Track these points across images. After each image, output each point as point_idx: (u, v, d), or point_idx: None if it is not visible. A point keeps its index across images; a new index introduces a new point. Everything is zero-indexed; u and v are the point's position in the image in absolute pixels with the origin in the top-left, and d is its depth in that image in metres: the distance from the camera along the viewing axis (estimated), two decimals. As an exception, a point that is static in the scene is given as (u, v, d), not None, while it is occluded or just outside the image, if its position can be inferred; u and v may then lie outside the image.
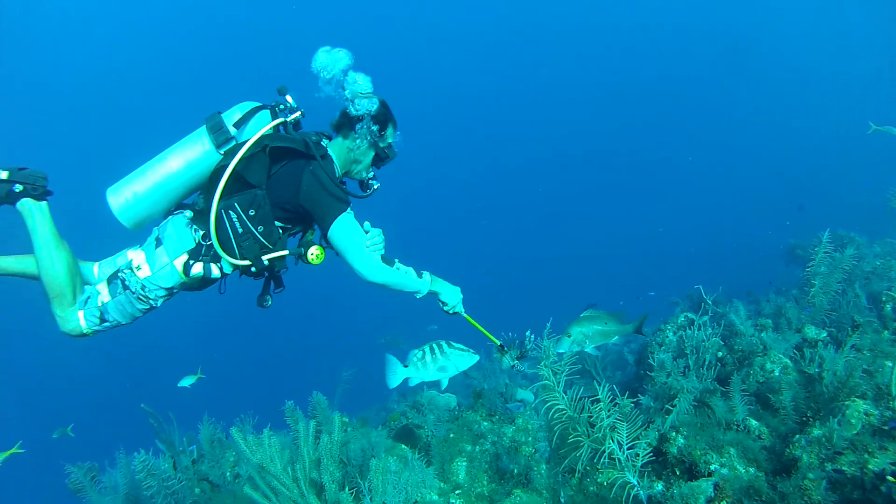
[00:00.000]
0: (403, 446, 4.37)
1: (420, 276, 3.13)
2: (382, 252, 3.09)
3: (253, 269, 2.95)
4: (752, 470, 3.09)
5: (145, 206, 2.88)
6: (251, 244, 2.90)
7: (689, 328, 4.58)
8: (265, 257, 2.92)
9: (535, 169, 40.65)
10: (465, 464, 3.91)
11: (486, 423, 4.16)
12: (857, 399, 3.21)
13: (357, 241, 2.88)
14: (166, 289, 2.93)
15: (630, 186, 38.19)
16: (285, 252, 2.97)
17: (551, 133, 42.07)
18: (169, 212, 3.03)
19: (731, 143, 38.69)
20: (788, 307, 4.77)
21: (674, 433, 3.27)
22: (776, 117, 38.62)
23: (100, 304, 2.93)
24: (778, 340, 4.15)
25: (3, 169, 2.79)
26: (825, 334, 4.23)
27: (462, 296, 3.36)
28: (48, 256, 2.84)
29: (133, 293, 2.90)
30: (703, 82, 40.93)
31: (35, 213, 2.84)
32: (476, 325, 3.46)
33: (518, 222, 36.16)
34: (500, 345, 3.43)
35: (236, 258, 2.89)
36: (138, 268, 2.91)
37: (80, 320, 2.90)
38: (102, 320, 2.93)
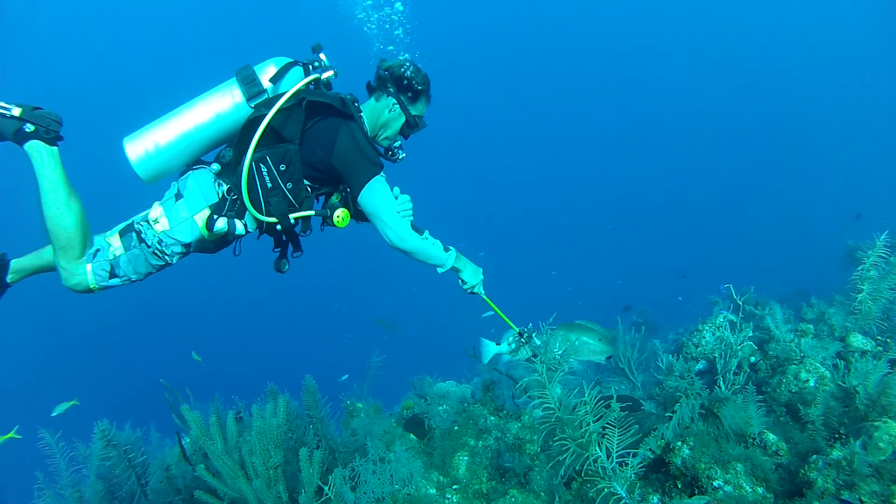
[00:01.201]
0: (412, 436, 4.28)
1: (447, 250, 3.10)
2: (411, 219, 3.10)
3: (278, 227, 2.91)
4: (759, 490, 2.80)
5: (166, 158, 2.80)
6: (279, 201, 2.86)
7: (719, 330, 4.27)
8: (292, 216, 2.90)
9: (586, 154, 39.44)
10: (466, 458, 3.77)
11: (492, 418, 3.99)
12: (890, 420, 2.85)
13: (388, 205, 2.86)
14: (184, 244, 2.86)
15: (689, 177, 36.71)
16: (311, 212, 2.94)
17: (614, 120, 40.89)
18: (187, 166, 2.96)
19: (797, 140, 36.56)
20: (832, 313, 4.35)
21: (679, 443, 3.01)
22: (844, 119, 36.48)
23: (111, 257, 2.80)
24: (816, 348, 3.77)
25: (17, 105, 2.61)
26: (873, 345, 3.82)
27: (483, 277, 3.32)
28: (57, 204, 2.65)
29: (149, 247, 2.81)
30: (767, 78, 38.99)
31: (45, 157, 2.64)
32: (496, 308, 3.41)
33: (561, 208, 35.23)
34: (520, 331, 3.37)
35: (263, 214, 2.86)
36: (156, 221, 2.82)
37: (87, 274, 2.77)
38: (112, 275, 2.81)
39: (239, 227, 2.89)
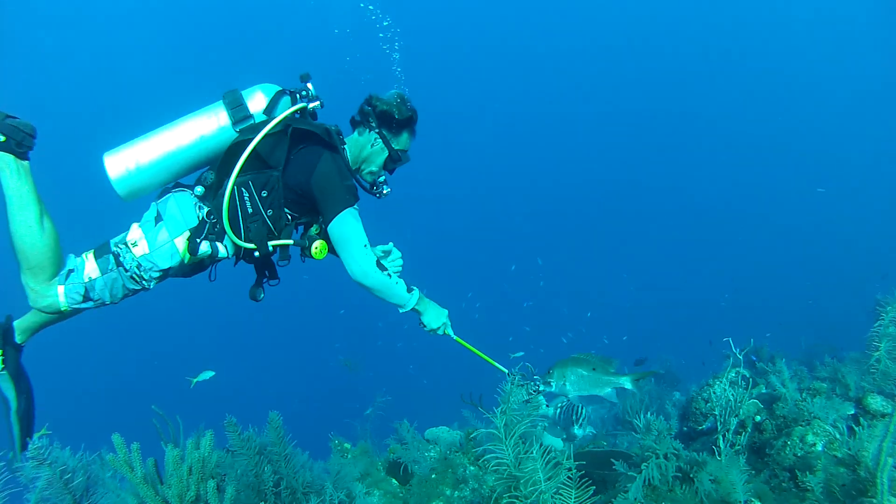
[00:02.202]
0: (393, 480, 4.11)
1: (409, 290, 2.99)
2: (399, 271, 3.16)
3: (256, 253, 2.88)
4: (735, 567, 2.51)
5: (146, 176, 2.76)
6: (259, 227, 2.84)
7: (731, 386, 3.98)
8: (270, 243, 2.87)
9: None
10: (440, 509, 3.58)
11: (472, 468, 3.79)
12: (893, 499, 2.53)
13: (358, 237, 2.79)
14: (162, 269, 2.79)
15: (717, 220, 35.21)
16: (290, 241, 2.92)
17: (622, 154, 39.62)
18: (166, 186, 2.93)
19: (835, 182, 34.84)
20: (845, 372, 3.98)
21: (652, 508, 2.75)
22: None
23: (86, 280, 2.69)
24: (828, 409, 3.44)
25: None
26: (893, 406, 3.46)
27: (448, 320, 3.18)
28: (27, 222, 2.53)
29: (126, 271, 2.73)
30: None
31: (14, 170, 2.51)
32: (473, 349, 3.26)
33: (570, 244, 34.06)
34: (508, 372, 3.16)
35: (241, 239, 2.83)
36: (134, 244, 2.75)
37: (58, 296, 2.65)
38: (86, 298, 2.70)
39: (221, 249, 2.85)
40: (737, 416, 3.53)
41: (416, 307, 3.02)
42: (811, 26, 36.67)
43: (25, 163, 2.57)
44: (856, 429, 2.83)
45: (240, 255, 2.99)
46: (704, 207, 35.83)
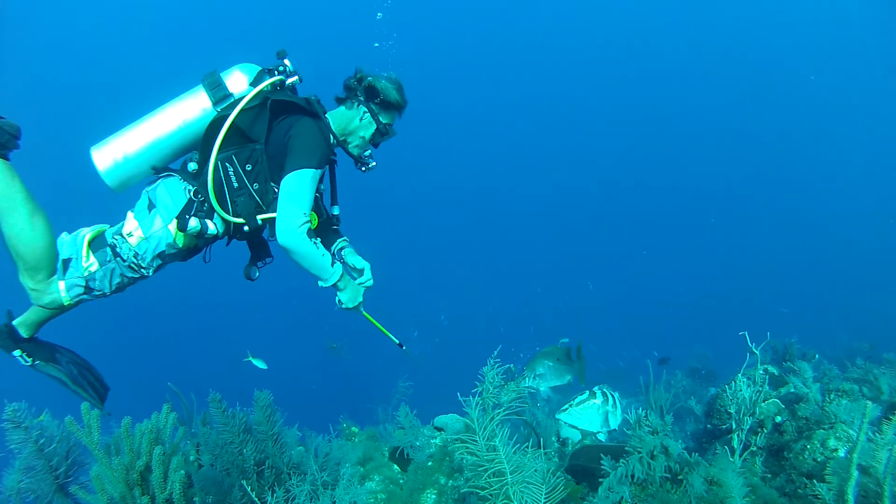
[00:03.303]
0: (395, 466, 4.05)
1: (333, 265, 2.82)
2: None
3: (246, 227, 2.84)
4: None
5: (134, 166, 2.75)
6: (246, 201, 2.81)
7: (756, 383, 3.71)
8: (259, 217, 2.83)
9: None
10: (433, 497, 3.48)
11: (470, 458, 3.67)
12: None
13: (301, 199, 2.65)
14: (159, 255, 2.77)
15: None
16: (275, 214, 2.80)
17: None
18: (155, 174, 2.90)
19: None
20: (879, 374, 3.62)
21: (641, 507, 2.57)
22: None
23: (85, 273, 2.66)
24: (853, 411, 3.14)
25: None
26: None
27: (363, 299, 3.07)
28: (19, 222, 2.46)
29: (124, 261, 2.71)
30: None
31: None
32: (376, 324, 3.19)
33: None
34: (399, 344, 3.20)
35: (230, 214, 2.80)
36: (130, 234, 2.73)
37: (60, 291, 2.63)
38: (87, 289, 2.68)
39: (211, 226, 2.79)
40: (752, 415, 3.30)
41: (338, 284, 2.87)
42: (813, 26, 35.11)
43: (6, 162, 2.46)
44: (873, 436, 2.55)
45: (230, 232, 2.95)
46: (742, 201, 34.84)
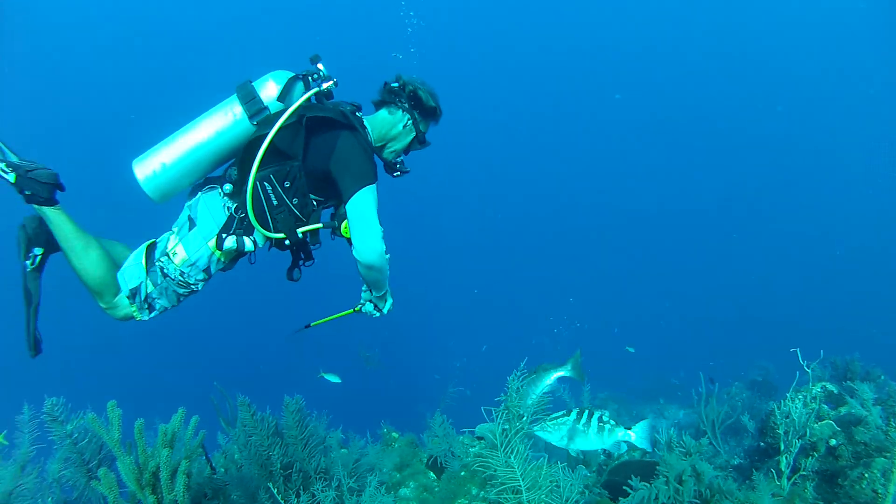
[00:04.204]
0: (431, 473, 4.00)
1: None
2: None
3: (287, 241, 2.90)
4: None
5: (172, 177, 2.82)
6: (286, 217, 2.85)
7: (814, 401, 3.49)
8: (300, 230, 2.88)
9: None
10: (465, 507, 3.43)
11: (491, 472, 3.60)
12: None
13: (372, 216, 2.73)
14: (203, 271, 2.90)
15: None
16: (319, 225, 2.91)
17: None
18: (196, 185, 3.01)
19: None
20: None
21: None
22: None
23: (144, 294, 2.86)
24: (917, 440, 2.89)
25: (11, 170, 2.57)
26: None
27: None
28: (76, 256, 2.73)
29: (173, 280, 2.86)
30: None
31: (49, 216, 2.67)
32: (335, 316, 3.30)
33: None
34: (357, 308, 3.22)
35: (270, 231, 2.85)
36: (174, 254, 2.86)
37: (129, 309, 2.85)
38: (151, 308, 2.89)
39: (248, 244, 2.88)
40: (802, 437, 3.09)
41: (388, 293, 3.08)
42: (816, 28, 33.44)
43: (54, 208, 2.67)
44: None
45: (272, 243, 3.00)
46: (807, 210, 33.63)
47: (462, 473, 3.69)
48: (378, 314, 3.21)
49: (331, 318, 3.35)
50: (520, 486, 2.27)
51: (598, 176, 36.70)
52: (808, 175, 35.56)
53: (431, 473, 4.01)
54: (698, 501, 2.45)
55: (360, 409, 7.64)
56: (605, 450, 4.95)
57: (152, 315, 2.90)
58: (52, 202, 2.66)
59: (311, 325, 3.37)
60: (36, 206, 2.66)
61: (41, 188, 2.59)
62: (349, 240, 2.79)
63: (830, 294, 25.59)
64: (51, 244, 2.85)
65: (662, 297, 26.14)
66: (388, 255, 2.82)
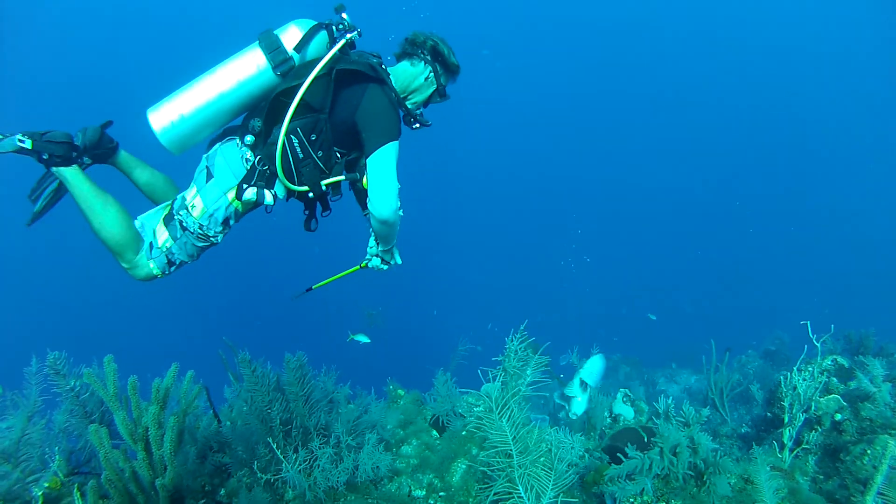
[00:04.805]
0: (434, 432, 4.04)
1: None
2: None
3: (311, 194, 2.89)
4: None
5: (191, 128, 2.77)
6: (311, 170, 2.83)
7: (823, 374, 3.42)
8: (323, 182, 2.86)
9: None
10: (464, 467, 3.45)
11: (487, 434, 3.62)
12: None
13: (392, 172, 2.72)
14: (222, 223, 2.88)
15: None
16: (342, 178, 2.88)
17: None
18: (215, 135, 2.96)
19: None
20: None
21: (662, 503, 2.41)
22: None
23: (164, 249, 2.85)
24: (925, 418, 2.82)
25: (27, 137, 2.63)
26: None
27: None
28: (96, 217, 2.75)
29: (192, 233, 2.83)
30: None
31: (68, 178, 2.72)
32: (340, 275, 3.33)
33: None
34: (363, 265, 3.22)
35: (295, 184, 2.84)
36: (193, 206, 2.83)
37: (151, 268, 2.86)
38: (170, 263, 2.88)
39: (268, 197, 2.84)
40: (807, 411, 3.04)
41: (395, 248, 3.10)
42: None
43: (73, 168, 2.73)
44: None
45: (293, 194, 2.96)
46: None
47: (463, 433, 3.71)
48: (386, 267, 3.21)
49: (335, 277, 3.35)
50: (511, 450, 2.24)
51: (621, 148, 36.42)
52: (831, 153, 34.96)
53: (434, 432, 4.04)
54: (692, 473, 2.43)
55: (369, 367, 7.72)
56: (611, 413, 4.97)
57: (172, 270, 2.90)
58: (69, 162, 2.70)
59: (314, 287, 3.35)
60: (55, 169, 2.69)
61: (57, 147, 2.65)
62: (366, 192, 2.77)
63: (858, 270, 25.21)
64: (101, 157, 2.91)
65: (683, 267, 26.03)
66: (401, 213, 2.81)
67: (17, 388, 3.13)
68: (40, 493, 2.30)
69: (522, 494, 2.26)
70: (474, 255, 29.48)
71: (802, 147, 35.29)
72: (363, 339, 7.27)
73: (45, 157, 2.64)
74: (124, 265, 2.83)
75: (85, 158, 2.82)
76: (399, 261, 3.19)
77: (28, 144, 2.60)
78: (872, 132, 35.05)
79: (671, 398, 2.59)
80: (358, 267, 3.27)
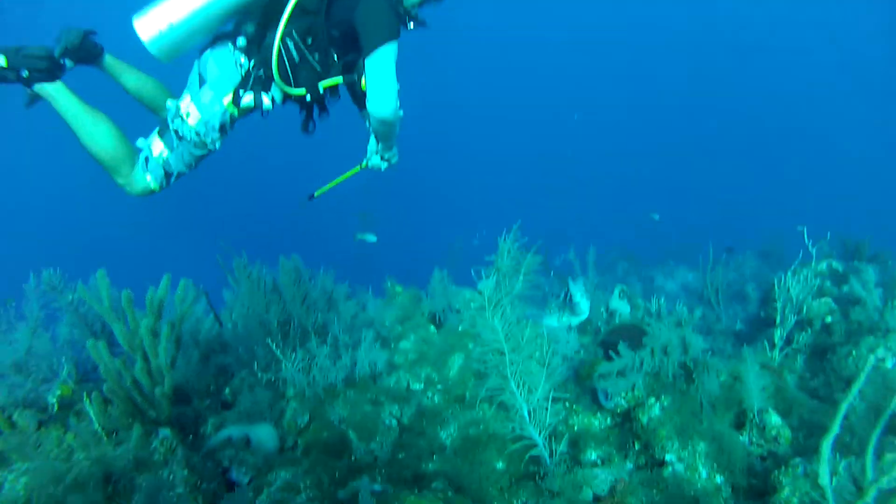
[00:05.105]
0: (432, 327, 4.11)
1: None
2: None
3: (308, 97, 2.84)
4: (717, 478, 2.25)
5: (181, 36, 2.64)
6: (308, 73, 2.77)
7: (817, 277, 3.44)
8: (321, 84, 2.81)
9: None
10: (460, 361, 3.54)
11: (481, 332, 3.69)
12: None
13: (391, 73, 2.65)
14: (219, 129, 2.81)
15: None
16: (340, 79, 2.82)
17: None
18: (205, 42, 2.84)
19: None
20: None
21: (653, 399, 2.49)
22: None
23: (161, 160, 2.80)
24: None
25: (1, 52, 2.48)
26: None
27: None
28: (86, 131, 2.65)
29: (189, 142, 2.77)
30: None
31: (52, 93, 2.61)
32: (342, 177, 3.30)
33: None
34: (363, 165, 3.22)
35: (291, 87, 2.78)
36: (188, 114, 2.75)
37: (148, 182, 2.81)
38: (168, 175, 2.83)
39: (266, 101, 2.80)
40: (798, 313, 3.08)
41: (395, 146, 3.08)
42: None
43: (58, 83, 2.61)
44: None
45: (289, 98, 2.90)
46: None
47: (460, 328, 3.78)
48: (385, 166, 3.22)
49: (336, 181, 3.31)
50: (503, 348, 2.28)
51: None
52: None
53: (432, 327, 4.10)
54: (682, 371, 2.49)
55: (368, 267, 7.78)
56: (607, 309, 5.05)
57: (170, 182, 2.86)
58: (53, 77, 2.59)
59: (315, 194, 3.31)
60: (38, 89, 2.57)
61: (38, 62, 2.53)
62: (365, 93, 2.70)
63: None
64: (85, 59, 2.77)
65: (688, 171, 25.84)
66: (401, 112, 2.75)
67: (19, 303, 3.16)
68: (55, 400, 2.38)
69: (514, 390, 2.32)
70: (477, 153, 29.12)
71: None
72: (371, 238, 7.30)
73: (24, 74, 2.51)
74: (120, 181, 2.77)
75: (66, 61, 2.67)
76: (395, 161, 3.18)
77: (2, 62, 2.47)
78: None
79: (663, 298, 2.61)
80: (358, 168, 3.25)
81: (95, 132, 2.65)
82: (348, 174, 3.28)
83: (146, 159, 2.78)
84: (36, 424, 2.19)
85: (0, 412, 2.17)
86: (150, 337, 2.20)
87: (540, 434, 2.30)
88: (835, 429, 1.73)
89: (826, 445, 1.75)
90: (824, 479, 1.74)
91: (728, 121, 33.53)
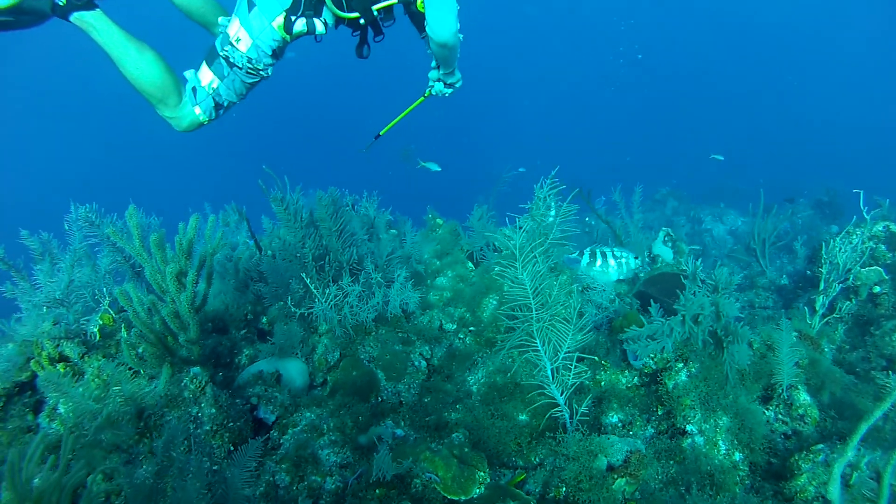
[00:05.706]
0: (469, 264, 4.10)
1: None
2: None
3: (362, 20, 2.80)
4: (737, 456, 2.24)
5: None
6: None
7: (871, 240, 3.29)
8: (374, 7, 2.76)
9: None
10: (494, 303, 3.55)
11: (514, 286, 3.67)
12: None
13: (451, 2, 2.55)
14: (271, 55, 2.77)
15: None
16: (394, 1, 2.77)
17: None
18: None
19: None
20: None
21: (680, 364, 2.47)
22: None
23: (210, 90, 2.76)
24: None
25: None
26: None
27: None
28: (131, 62, 2.58)
29: (241, 69, 2.73)
30: None
31: (93, 23, 2.51)
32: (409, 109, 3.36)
33: None
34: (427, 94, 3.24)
35: (344, 11, 2.75)
36: (238, 40, 2.70)
37: (196, 115, 2.78)
38: (217, 105, 2.80)
39: (319, 26, 2.73)
40: (843, 281, 2.96)
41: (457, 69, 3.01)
42: None
43: (96, 11, 2.51)
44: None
45: (343, 22, 2.84)
46: None
47: (496, 269, 3.77)
48: (450, 91, 3.19)
49: (401, 115, 3.35)
50: (531, 303, 2.27)
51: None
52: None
53: (470, 264, 4.09)
54: (712, 340, 2.44)
55: (411, 197, 7.75)
56: (650, 253, 4.93)
57: (219, 114, 2.84)
58: (92, 5, 2.51)
59: (381, 133, 3.37)
60: (76, 18, 2.48)
61: None
62: (423, 15, 2.60)
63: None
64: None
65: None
66: (461, 35, 2.68)
67: (60, 236, 3.26)
68: (96, 329, 2.48)
69: (539, 348, 2.32)
70: (528, 87, 28.39)
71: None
72: (434, 166, 7.24)
73: (61, 2, 2.43)
74: (167, 114, 2.74)
75: None
76: (458, 84, 3.14)
77: None
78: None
79: (699, 260, 2.52)
80: (422, 97, 3.25)
81: (141, 61, 2.59)
82: (412, 106, 3.30)
83: (193, 89, 2.75)
84: (80, 354, 2.30)
85: (50, 342, 2.28)
86: (176, 283, 2.25)
87: (562, 394, 2.31)
88: (849, 454, 1.68)
89: (837, 469, 1.72)
90: (833, 494, 1.71)
91: (807, 75, 31.89)
